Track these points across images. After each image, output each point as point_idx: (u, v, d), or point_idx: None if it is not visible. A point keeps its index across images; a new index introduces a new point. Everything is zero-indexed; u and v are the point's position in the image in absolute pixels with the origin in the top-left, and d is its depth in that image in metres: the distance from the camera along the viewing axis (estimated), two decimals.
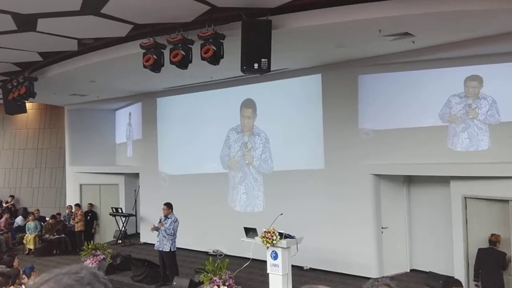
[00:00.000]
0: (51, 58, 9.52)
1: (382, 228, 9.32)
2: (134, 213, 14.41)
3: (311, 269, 9.79)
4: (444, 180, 8.55)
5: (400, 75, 9.02)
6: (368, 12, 6.38)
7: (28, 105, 13.61)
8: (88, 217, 14.49)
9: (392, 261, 9.32)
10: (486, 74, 8.18)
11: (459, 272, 8.15)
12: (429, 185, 9.22)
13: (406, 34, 7.21)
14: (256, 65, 6.46)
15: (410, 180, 9.58)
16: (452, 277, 7.99)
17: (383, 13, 6.33)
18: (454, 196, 8.39)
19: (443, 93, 8.58)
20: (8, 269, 6.39)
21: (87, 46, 8.68)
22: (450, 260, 8.45)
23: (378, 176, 9.33)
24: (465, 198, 8.27)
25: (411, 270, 9.48)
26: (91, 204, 14.84)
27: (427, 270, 8.93)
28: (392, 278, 8.10)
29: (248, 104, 11.30)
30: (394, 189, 9.53)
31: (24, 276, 6.58)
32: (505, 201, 7.75)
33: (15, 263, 7.57)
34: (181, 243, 9.99)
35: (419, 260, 9.40)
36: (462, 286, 6.30)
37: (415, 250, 9.50)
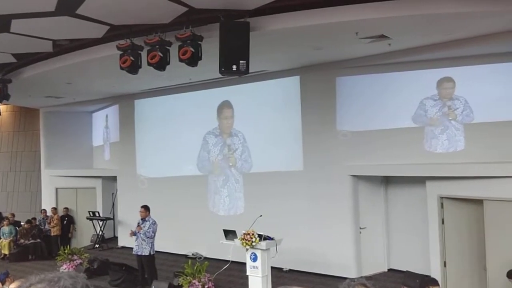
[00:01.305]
0: (25, 59, 9.34)
1: (360, 228, 9.40)
2: (112, 217, 14.23)
3: (291, 271, 9.81)
4: (420, 181, 8.69)
5: (377, 77, 9.14)
6: (345, 15, 6.45)
7: (2, 107, 13.33)
8: (65, 222, 14.25)
9: (370, 261, 9.41)
10: (458, 76, 8.35)
11: (436, 271, 8.27)
12: (406, 186, 9.35)
13: (383, 36, 7.31)
14: (234, 67, 6.45)
15: (387, 181, 9.70)
16: (429, 276, 8.11)
17: (360, 15, 6.40)
18: (430, 196, 8.52)
19: (418, 95, 8.72)
20: None
21: (62, 47, 8.53)
22: (426, 260, 8.57)
23: (357, 177, 9.42)
24: (441, 198, 8.41)
25: (388, 270, 9.59)
26: (67, 208, 14.60)
27: (404, 270, 9.05)
28: (369, 278, 8.20)
29: (228, 105, 11.28)
30: (372, 189, 9.64)
31: None
32: (480, 200, 7.91)
33: None
34: (160, 246, 9.91)
35: (397, 260, 9.52)
36: (439, 285, 6.41)
37: (392, 250, 9.62)
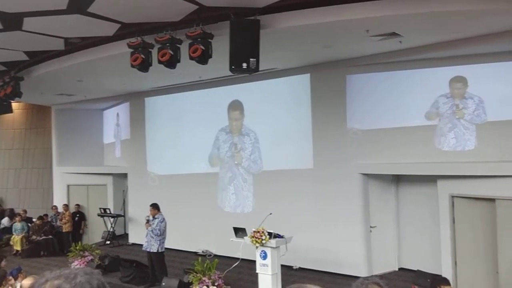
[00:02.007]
0: (37, 57, 9.42)
1: (371, 227, 9.36)
2: (123, 214, 14.32)
3: (301, 269, 9.81)
4: (432, 179, 8.63)
5: (387, 75, 9.07)
6: (356, 12, 6.41)
7: (14, 105, 13.46)
8: (76, 218, 14.36)
9: (381, 260, 9.37)
10: (472, 74, 8.25)
11: (447, 271, 8.22)
12: (417, 184, 9.29)
13: (394, 34, 7.25)
14: (244, 65, 6.45)
15: (398, 179, 9.64)
16: (440, 276, 8.06)
17: (370, 13, 6.36)
18: (441, 195, 8.46)
19: (430, 93, 8.64)
20: None
21: (74, 45, 8.60)
22: (437, 259, 8.52)
23: (367, 175, 9.37)
24: (452, 197, 8.34)
25: (399, 269, 9.54)
26: (78, 205, 14.72)
27: (415, 269, 9.00)
28: (381, 276, 8.15)
29: (235, 106, 11.29)
30: (383, 188, 9.59)
31: (11, 277, 6.50)
32: (492, 199, 7.83)
33: (2, 265, 7.49)
34: (170, 243, 9.95)
35: (407, 259, 9.46)
36: (450, 285, 6.37)
37: (403, 248, 9.56)
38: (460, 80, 8.35)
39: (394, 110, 9.00)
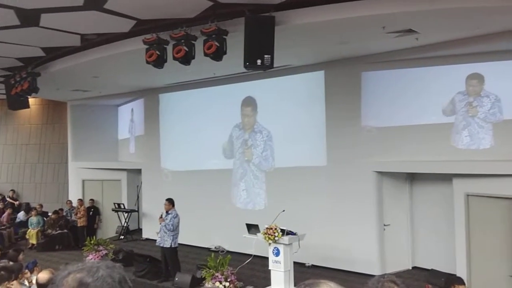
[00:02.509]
0: (54, 53, 9.52)
1: (384, 225, 9.31)
2: (137, 209, 14.44)
3: (313, 266, 9.80)
4: (447, 178, 8.54)
5: (403, 72, 8.99)
6: (372, 9, 6.36)
7: (31, 100, 13.59)
8: (91, 213, 14.51)
9: (394, 259, 9.32)
10: (490, 72, 8.13)
11: (461, 270, 8.14)
12: (431, 183, 9.20)
13: (410, 31, 7.18)
14: (259, 61, 6.44)
15: (412, 178, 9.56)
16: (454, 275, 7.99)
17: (387, 9, 6.30)
18: (456, 194, 8.37)
19: (446, 91, 8.54)
20: (11, 263, 6.41)
21: (90, 42, 8.67)
22: (452, 258, 8.44)
23: (381, 173, 9.32)
24: (468, 195, 8.25)
25: (413, 268, 9.47)
26: (92, 200, 14.86)
27: (429, 268, 8.93)
28: (398, 275, 8.10)
29: (248, 102, 11.29)
30: (397, 186, 9.52)
31: (27, 270, 6.60)
32: (508, 198, 7.73)
33: (20, 258, 7.60)
34: (183, 239, 10.00)
35: (421, 258, 9.39)
36: (464, 284, 6.30)
37: (417, 247, 9.49)
38: (476, 77, 8.24)
39: (409, 107, 8.92)
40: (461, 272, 8.01)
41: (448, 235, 8.64)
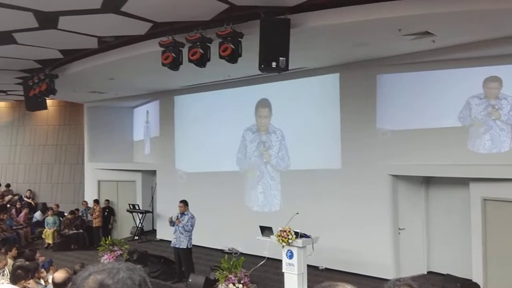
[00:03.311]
0: (71, 55, 9.65)
1: (399, 229, 9.23)
2: (151, 210, 14.53)
3: (327, 269, 9.76)
4: (463, 182, 8.44)
5: (419, 75, 8.92)
6: (388, 11, 6.31)
7: (49, 102, 13.78)
8: (106, 213, 14.65)
9: (409, 263, 9.23)
10: (506, 75, 8.03)
11: (477, 276, 8.03)
12: (447, 187, 9.10)
13: (427, 33, 7.12)
14: (274, 64, 6.45)
15: (428, 181, 9.47)
16: (470, 280, 7.90)
17: (403, 11, 6.25)
18: (473, 198, 8.26)
19: (462, 94, 8.45)
20: (27, 262, 6.51)
21: (107, 44, 8.77)
22: (468, 263, 8.33)
23: (396, 176, 9.24)
24: (485, 200, 8.14)
25: (428, 272, 9.37)
26: (108, 201, 14.99)
27: (445, 273, 8.83)
28: (413, 279, 8.01)
29: (264, 104, 11.30)
30: (412, 190, 9.43)
31: (43, 270, 6.69)
32: None
33: (37, 257, 7.71)
34: (196, 240, 10.04)
35: (437, 262, 9.29)
36: None
37: (432, 252, 9.39)
38: (496, 80, 8.13)
39: (425, 110, 8.84)
40: (477, 278, 7.91)
41: (464, 239, 8.54)
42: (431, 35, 7.20)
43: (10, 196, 16.52)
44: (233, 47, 6.70)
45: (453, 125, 8.53)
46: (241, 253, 10.89)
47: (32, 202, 16.72)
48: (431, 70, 8.73)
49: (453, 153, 8.45)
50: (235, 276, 8.40)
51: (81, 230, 13.87)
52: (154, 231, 14.41)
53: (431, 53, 8.27)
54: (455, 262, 8.80)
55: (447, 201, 9.11)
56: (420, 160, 8.87)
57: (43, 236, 13.90)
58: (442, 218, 9.19)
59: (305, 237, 8.01)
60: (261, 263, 8.95)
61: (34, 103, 11.25)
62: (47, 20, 7.16)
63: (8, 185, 17.00)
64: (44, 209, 15.87)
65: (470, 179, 8.28)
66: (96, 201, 14.63)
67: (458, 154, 8.42)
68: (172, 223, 9.36)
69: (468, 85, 8.39)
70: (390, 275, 8.67)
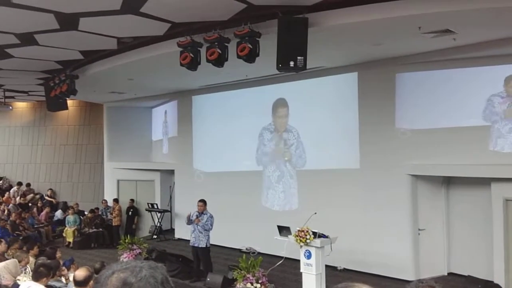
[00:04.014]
0: (91, 56, 9.78)
1: (419, 230, 9.12)
2: (169, 209, 14.64)
3: (345, 270, 9.70)
4: (485, 182, 8.30)
5: (439, 73, 8.80)
6: (408, 9, 6.24)
7: (69, 102, 14.01)
8: (130, 213, 14.79)
9: (429, 264, 9.11)
10: None
11: (499, 277, 7.89)
12: (469, 187, 8.96)
13: (447, 31, 7.01)
14: (292, 63, 6.43)
15: (449, 181, 9.34)
16: (492, 282, 7.77)
17: (423, 9, 6.17)
18: (495, 199, 8.12)
19: (483, 93, 8.31)
20: (49, 261, 6.62)
21: (126, 45, 8.86)
22: (490, 265, 8.20)
23: (416, 176, 9.13)
24: (507, 200, 8.00)
25: (448, 274, 9.24)
26: (132, 200, 15.10)
27: (466, 274, 8.70)
28: (435, 280, 7.94)
29: (283, 103, 11.28)
30: (432, 190, 9.31)
31: (64, 268, 6.79)
32: None
33: (58, 255, 7.83)
34: (214, 239, 10.08)
35: (458, 264, 9.15)
36: None
37: (453, 253, 9.26)
38: None
39: (445, 110, 8.72)
40: (499, 279, 7.78)
41: (485, 240, 8.40)
42: (451, 33, 7.09)
43: (32, 195, 16.83)
44: (250, 46, 6.70)
45: (474, 124, 8.39)
46: (259, 253, 10.89)
47: (53, 201, 16.99)
48: (451, 68, 8.60)
49: (474, 153, 8.32)
50: (253, 276, 8.40)
51: (100, 229, 14.04)
52: (172, 230, 14.51)
53: (452, 51, 8.14)
54: (476, 263, 8.66)
55: (468, 201, 8.97)
56: (440, 160, 8.76)
57: (64, 235, 14.10)
58: (463, 219, 9.05)
59: (323, 237, 7.97)
60: (279, 263, 8.94)
61: (55, 103, 11.43)
62: (68, 22, 7.26)
63: (28, 184, 17.31)
64: (65, 208, 16.11)
65: (492, 179, 8.14)
66: (116, 200, 14.79)
67: (479, 154, 8.28)
68: (190, 221, 9.40)
69: (489, 84, 8.24)
70: (409, 276, 8.59)
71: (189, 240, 9.79)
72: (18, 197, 16.06)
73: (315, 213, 8.13)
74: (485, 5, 5.95)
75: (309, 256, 7.91)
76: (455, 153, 8.52)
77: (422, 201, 9.19)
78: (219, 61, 7.09)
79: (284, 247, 8.50)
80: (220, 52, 7.00)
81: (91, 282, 4.64)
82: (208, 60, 7.11)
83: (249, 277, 8.37)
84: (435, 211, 9.28)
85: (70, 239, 13.85)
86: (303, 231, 7.88)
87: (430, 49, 8.26)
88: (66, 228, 14.14)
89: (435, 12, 6.18)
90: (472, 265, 8.71)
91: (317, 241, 7.83)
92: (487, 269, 8.25)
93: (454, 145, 8.54)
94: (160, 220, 14.24)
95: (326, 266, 8.25)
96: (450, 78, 8.67)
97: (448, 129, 8.65)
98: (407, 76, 9.17)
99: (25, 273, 6.57)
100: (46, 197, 17.04)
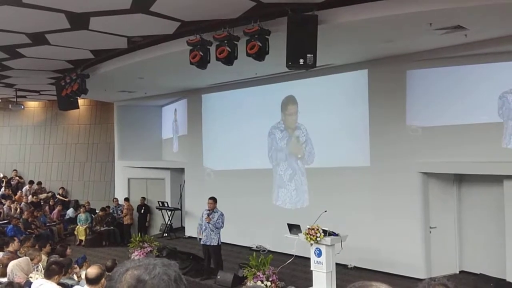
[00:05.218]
0: (102, 55, 9.84)
1: (430, 227, 9.06)
2: (180, 207, 14.69)
3: (356, 268, 9.67)
4: (497, 180, 8.21)
5: (450, 70, 8.72)
6: (418, 5, 6.19)
7: (80, 101, 14.12)
8: (142, 211, 14.88)
9: (441, 262, 9.05)
10: None
11: None
12: (481, 184, 8.87)
13: (459, 27, 6.95)
14: (301, 61, 6.42)
15: (460, 179, 9.25)
16: (504, 280, 7.70)
17: (434, 5, 6.11)
18: (507, 196, 8.04)
19: (495, 89, 8.20)
20: (61, 258, 6.68)
21: (136, 44, 8.90)
22: (502, 263, 8.11)
23: (427, 174, 9.07)
24: None
25: (460, 272, 9.17)
26: (144, 198, 15.20)
27: (478, 272, 8.63)
28: (448, 278, 7.86)
29: (293, 101, 11.26)
30: (444, 188, 9.24)
31: (76, 265, 6.86)
32: None
33: (68, 253, 7.91)
34: (224, 237, 10.09)
35: (469, 262, 9.08)
36: None
37: (465, 251, 9.18)
38: None
39: (456, 106, 8.64)
40: None
41: (498, 238, 8.32)
42: (463, 29, 7.03)
43: (45, 194, 16.98)
44: (260, 44, 6.70)
45: (486, 121, 8.29)
46: (269, 251, 10.90)
47: (65, 199, 17.14)
48: (462, 65, 8.52)
49: (486, 150, 8.23)
50: (263, 274, 8.41)
51: (112, 227, 14.13)
52: (182, 228, 14.56)
53: (463, 48, 8.07)
54: (488, 261, 8.58)
55: (480, 199, 8.88)
56: (451, 157, 8.68)
57: (76, 233, 14.23)
58: (475, 217, 8.97)
59: (334, 235, 7.96)
60: (289, 261, 8.94)
61: (67, 102, 11.53)
62: (78, 21, 7.31)
63: (39, 183, 17.47)
64: (77, 206, 16.25)
65: (504, 176, 8.05)
66: (127, 199, 14.89)
67: (491, 151, 8.19)
68: (208, 216, 9.36)
69: (500, 80, 8.14)
70: (420, 274, 8.54)
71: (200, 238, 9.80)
72: (30, 196, 16.22)
73: (325, 211, 8.12)
74: (497, 1, 5.88)
75: (319, 254, 7.90)
76: (467, 151, 8.44)
77: (433, 199, 9.13)
78: (229, 59, 7.10)
79: (294, 245, 8.49)
80: (229, 50, 7.01)
81: (103, 280, 4.67)
82: (217, 59, 7.12)
83: (259, 275, 8.38)
84: (447, 209, 9.21)
85: (82, 237, 13.97)
86: (313, 229, 7.87)
87: (441, 45, 8.19)
88: (77, 226, 14.27)
89: (446, 8, 6.12)
90: (484, 263, 8.63)
91: (328, 239, 7.82)
92: (499, 267, 8.17)
93: (466, 143, 8.45)
94: (170, 218, 14.30)
95: (337, 264, 8.23)
96: (461, 74, 8.59)
97: (459, 126, 8.57)
98: (418, 72, 9.10)
99: (37, 271, 6.63)
100: (58, 196, 17.19)
